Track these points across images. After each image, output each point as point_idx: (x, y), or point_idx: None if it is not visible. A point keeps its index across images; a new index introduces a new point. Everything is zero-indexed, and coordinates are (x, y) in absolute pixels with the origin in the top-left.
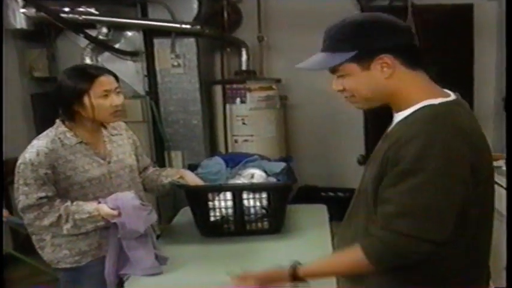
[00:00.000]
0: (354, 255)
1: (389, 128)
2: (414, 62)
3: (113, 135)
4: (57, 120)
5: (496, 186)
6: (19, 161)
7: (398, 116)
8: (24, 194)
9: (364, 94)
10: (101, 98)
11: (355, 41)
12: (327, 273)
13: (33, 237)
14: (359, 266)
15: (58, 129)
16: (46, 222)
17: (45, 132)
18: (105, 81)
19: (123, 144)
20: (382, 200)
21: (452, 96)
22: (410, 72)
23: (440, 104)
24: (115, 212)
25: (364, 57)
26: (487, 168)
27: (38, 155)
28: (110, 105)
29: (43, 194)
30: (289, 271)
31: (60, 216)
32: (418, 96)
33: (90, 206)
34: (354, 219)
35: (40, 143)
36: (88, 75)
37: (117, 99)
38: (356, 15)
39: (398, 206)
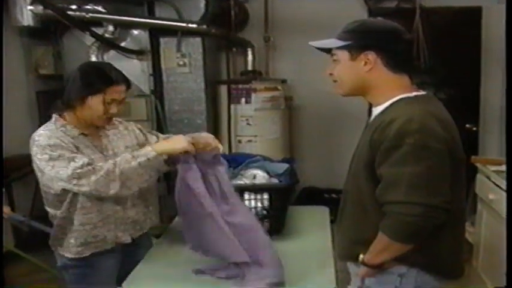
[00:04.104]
0: (381, 241)
1: (370, 120)
2: (397, 66)
3: (107, 129)
4: (54, 115)
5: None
6: (33, 153)
7: (377, 110)
8: (60, 167)
9: (346, 81)
10: (102, 104)
11: (353, 35)
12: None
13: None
14: (392, 248)
15: (57, 123)
16: (93, 178)
17: (42, 127)
18: (116, 91)
19: (119, 138)
20: (379, 179)
21: (425, 93)
22: (389, 73)
23: (415, 96)
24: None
25: (355, 49)
26: (460, 152)
27: (49, 138)
28: (106, 112)
29: (80, 161)
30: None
31: (108, 171)
32: (394, 92)
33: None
34: (344, 220)
35: (44, 132)
36: (109, 79)
37: (114, 109)
38: (370, 18)
39: (387, 179)
